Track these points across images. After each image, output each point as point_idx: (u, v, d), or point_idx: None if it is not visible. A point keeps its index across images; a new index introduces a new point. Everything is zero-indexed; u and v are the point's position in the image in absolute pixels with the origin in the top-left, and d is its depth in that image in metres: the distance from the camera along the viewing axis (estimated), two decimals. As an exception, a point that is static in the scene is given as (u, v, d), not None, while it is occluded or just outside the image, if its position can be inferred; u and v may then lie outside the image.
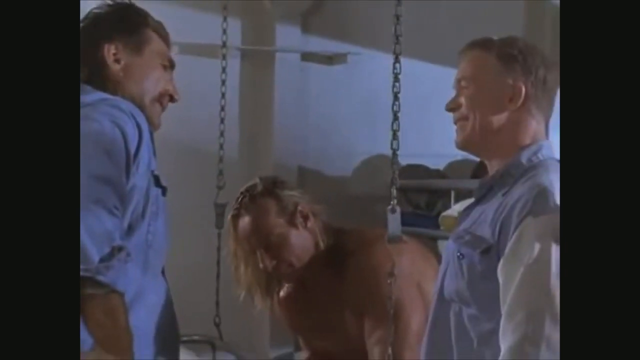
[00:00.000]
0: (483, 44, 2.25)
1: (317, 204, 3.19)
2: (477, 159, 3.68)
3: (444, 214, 4.58)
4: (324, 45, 5.41)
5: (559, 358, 1.89)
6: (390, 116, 2.89)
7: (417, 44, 4.64)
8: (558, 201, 2.02)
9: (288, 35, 5.31)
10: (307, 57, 5.35)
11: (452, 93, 2.31)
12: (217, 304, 4.10)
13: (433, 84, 4.66)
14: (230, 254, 3.20)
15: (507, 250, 2.03)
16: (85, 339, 2.12)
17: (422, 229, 4.62)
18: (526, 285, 1.99)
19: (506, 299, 2.00)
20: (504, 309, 2.00)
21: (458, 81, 2.26)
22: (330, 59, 5.40)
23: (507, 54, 2.21)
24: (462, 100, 2.22)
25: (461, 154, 3.29)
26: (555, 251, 1.97)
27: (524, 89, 2.19)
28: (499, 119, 2.19)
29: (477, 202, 2.25)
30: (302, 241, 3.10)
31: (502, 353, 1.98)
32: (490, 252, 2.08)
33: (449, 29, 5.40)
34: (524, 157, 2.19)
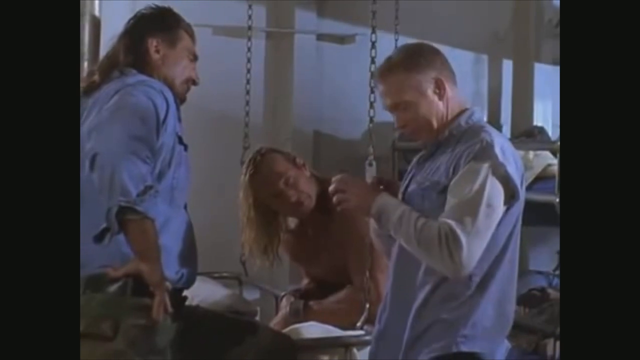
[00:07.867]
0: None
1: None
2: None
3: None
4: (336, 28, 5.62)
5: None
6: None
7: (415, 24, 5.02)
8: (498, 153, 2.45)
9: (305, 19, 5.53)
10: (321, 37, 5.58)
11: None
12: (243, 244, 4.08)
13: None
14: (243, 215, 3.54)
15: (452, 181, 2.49)
16: (128, 251, 2.55)
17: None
18: (459, 206, 2.45)
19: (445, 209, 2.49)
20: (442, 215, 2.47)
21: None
22: (341, 39, 5.62)
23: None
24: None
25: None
26: (488, 188, 2.42)
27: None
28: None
29: (427, 158, 2.65)
30: (308, 180, 3.55)
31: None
32: (445, 191, 2.52)
33: (443, 10, 5.62)
34: (462, 121, 2.61)
